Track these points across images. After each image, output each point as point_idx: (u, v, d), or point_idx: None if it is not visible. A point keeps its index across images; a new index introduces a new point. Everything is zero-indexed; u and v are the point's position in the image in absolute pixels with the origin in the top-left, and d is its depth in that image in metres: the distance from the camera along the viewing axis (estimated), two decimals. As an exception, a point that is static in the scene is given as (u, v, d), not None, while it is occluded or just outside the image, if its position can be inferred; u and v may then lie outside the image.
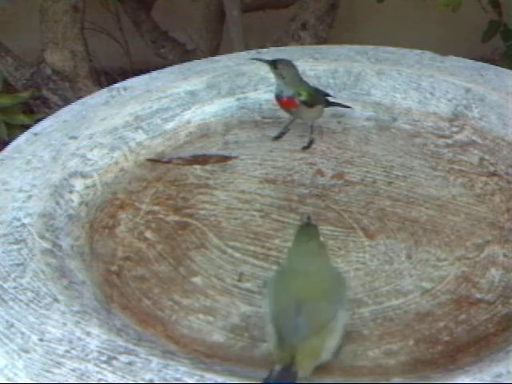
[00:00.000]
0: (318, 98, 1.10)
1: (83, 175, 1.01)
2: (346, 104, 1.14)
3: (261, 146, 1.11)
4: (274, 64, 1.08)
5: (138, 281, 0.89)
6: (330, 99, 1.12)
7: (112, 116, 1.10)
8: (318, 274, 0.76)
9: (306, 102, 1.08)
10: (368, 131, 1.13)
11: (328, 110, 1.14)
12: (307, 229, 0.80)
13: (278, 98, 1.09)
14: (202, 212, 0.99)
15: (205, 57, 1.46)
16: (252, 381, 0.71)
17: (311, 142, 1.10)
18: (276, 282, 0.77)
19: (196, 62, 1.28)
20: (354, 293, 0.86)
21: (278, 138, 1.12)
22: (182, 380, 0.72)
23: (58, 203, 0.95)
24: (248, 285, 0.87)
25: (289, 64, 1.09)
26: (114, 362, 0.73)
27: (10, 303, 0.80)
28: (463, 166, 1.06)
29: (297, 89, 1.07)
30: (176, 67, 1.25)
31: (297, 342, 0.71)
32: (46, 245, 0.89)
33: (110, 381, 0.72)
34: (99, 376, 0.72)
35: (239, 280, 0.88)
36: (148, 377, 0.72)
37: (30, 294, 0.81)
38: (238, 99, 1.18)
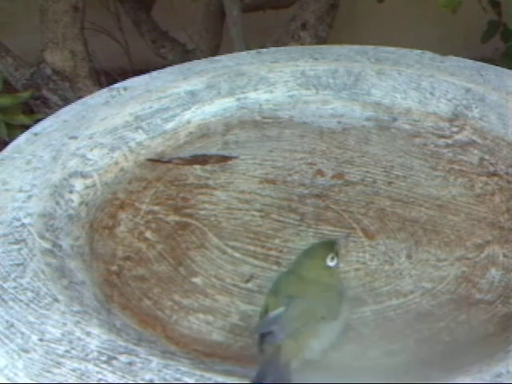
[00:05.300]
0: None
1: (83, 175, 1.01)
2: None
3: (261, 146, 1.11)
4: None
5: (137, 281, 0.89)
6: None
7: (112, 116, 1.10)
8: (316, 283, 0.77)
9: None
10: (368, 131, 1.13)
11: (327, 110, 1.14)
12: (329, 243, 0.81)
13: None
14: (202, 212, 0.99)
15: (205, 57, 1.45)
16: (252, 381, 0.71)
17: None
18: (274, 283, 0.78)
19: (196, 61, 1.27)
20: (354, 293, 0.86)
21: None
22: (182, 380, 0.72)
23: (58, 203, 0.95)
24: (248, 284, 0.87)
25: None
26: (114, 362, 0.73)
27: (10, 303, 0.80)
28: (463, 166, 1.06)
29: None
30: (176, 67, 1.25)
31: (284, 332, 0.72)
32: (46, 245, 0.89)
33: (110, 381, 0.72)
34: (99, 376, 0.72)
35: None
36: (148, 377, 0.72)
37: (29, 294, 0.81)
38: (238, 99, 1.17)
